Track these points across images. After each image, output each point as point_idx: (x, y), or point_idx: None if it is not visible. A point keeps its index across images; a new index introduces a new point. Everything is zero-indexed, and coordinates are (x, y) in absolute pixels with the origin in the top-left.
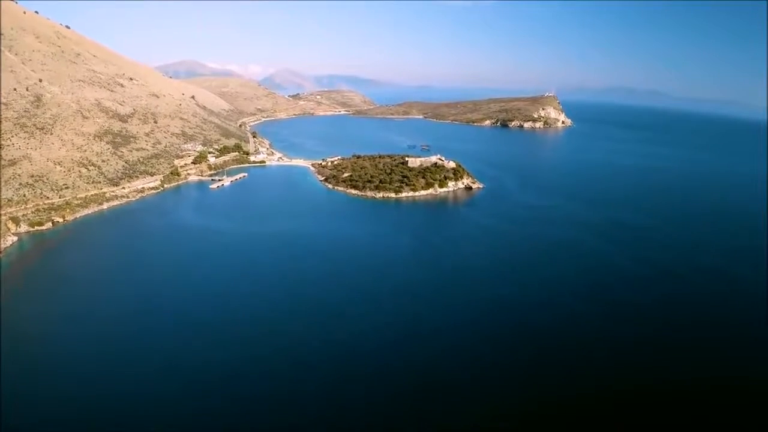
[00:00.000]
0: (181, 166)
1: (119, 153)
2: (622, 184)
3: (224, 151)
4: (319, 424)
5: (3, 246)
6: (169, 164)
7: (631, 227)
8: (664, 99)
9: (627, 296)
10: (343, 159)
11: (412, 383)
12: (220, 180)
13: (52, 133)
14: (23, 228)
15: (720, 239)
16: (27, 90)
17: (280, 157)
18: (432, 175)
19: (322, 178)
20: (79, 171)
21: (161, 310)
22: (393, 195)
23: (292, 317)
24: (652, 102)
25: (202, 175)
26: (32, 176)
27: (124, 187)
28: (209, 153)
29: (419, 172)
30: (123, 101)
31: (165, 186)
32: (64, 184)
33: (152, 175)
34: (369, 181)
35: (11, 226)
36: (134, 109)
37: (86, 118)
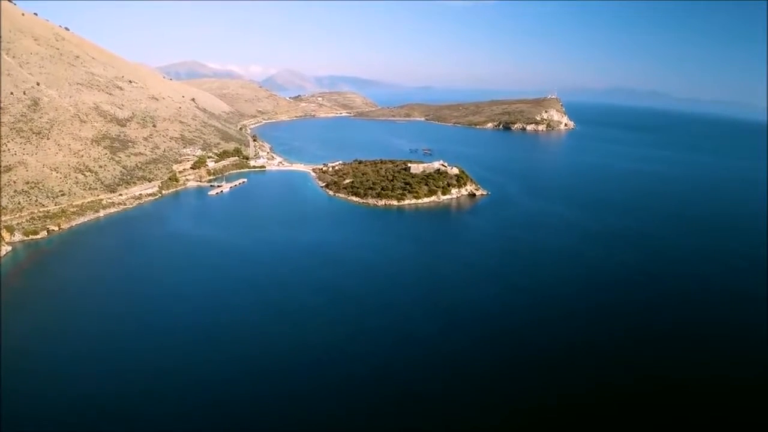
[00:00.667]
0: (180, 172)
1: (117, 158)
2: (633, 191)
3: (224, 155)
4: None
5: None
6: (167, 169)
7: (644, 237)
8: (665, 100)
9: (641, 316)
10: (344, 164)
11: (412, 394)
12: (219, 186)
13: (48, 138)
14: (17, 237)
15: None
16: (24, 94)
17: (281, 162)
18: (435, 182)
19: (323, 185)
20: (76, 177)
21: (155, 327)
22: (395, 203)
23: (287, 331)
24: (653, 103)
25: (201, 181)
26: (27, 183)
27: (121, 194)
28: (208, 157)
29: (422, 178)
30: (122, 105)
31: (163, 192)
32: (60, 191)
33: (150, 181)
34: (371, 188)
35: (5, 235)
36: (133, 113)
37: (84, 122)
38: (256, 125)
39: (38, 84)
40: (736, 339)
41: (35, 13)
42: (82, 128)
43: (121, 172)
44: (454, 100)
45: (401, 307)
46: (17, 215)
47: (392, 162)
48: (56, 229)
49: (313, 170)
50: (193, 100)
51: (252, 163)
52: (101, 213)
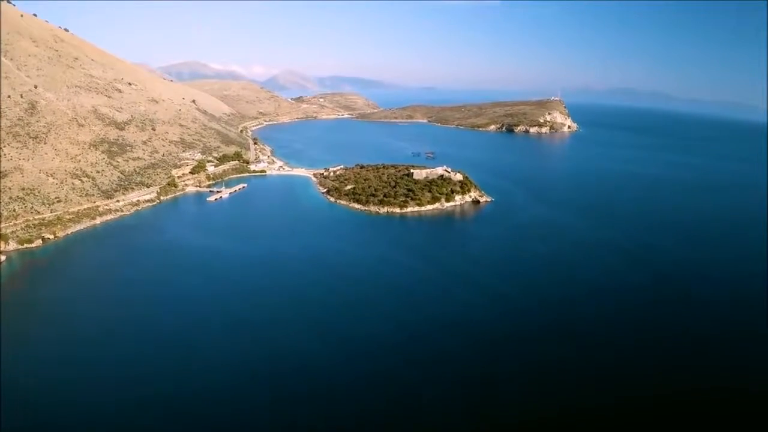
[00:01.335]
0: (179, 177)
1: (115, 163)
2: (643, 197)
3: (224, 159)
4: None
5: None
6: (166, 174)
7: (651, 249)
8: (666, 100)
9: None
10: (345, 169)
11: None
12: (218, 192)
13: (45, 143)
14: (12, 246)
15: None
16: (21, 97)
17: (281, 166)
18: (438, 188)
19: (324, 190)
20: (72, 183)
21: (151, 336)
22: (398, 210)
23: (284, 338)
24: (654, 103)
25: (200, 186)
26: (23, 189)
27: (118, 200)
28: (208, 162)
29: (425, 185)
30: (120, 107)
31: (161, 198)
32: (56, 198)
33: (148, 187)
34: (373, 195)
35: (0, 244)
36: (132, 116)
37: (81, 126)
38: (258, 127)
39: (36, 87)
40: None
41: (34, 14)
42: (80, 132)
43: (118, 177)
44: (456, 101)
45: (401, 317)
46: (12, 223)
47: (395, 167)
48: (52, 237)
49: (314, 175)
50: (193, 101)
51: (252, 167)
52: (97, 220)
